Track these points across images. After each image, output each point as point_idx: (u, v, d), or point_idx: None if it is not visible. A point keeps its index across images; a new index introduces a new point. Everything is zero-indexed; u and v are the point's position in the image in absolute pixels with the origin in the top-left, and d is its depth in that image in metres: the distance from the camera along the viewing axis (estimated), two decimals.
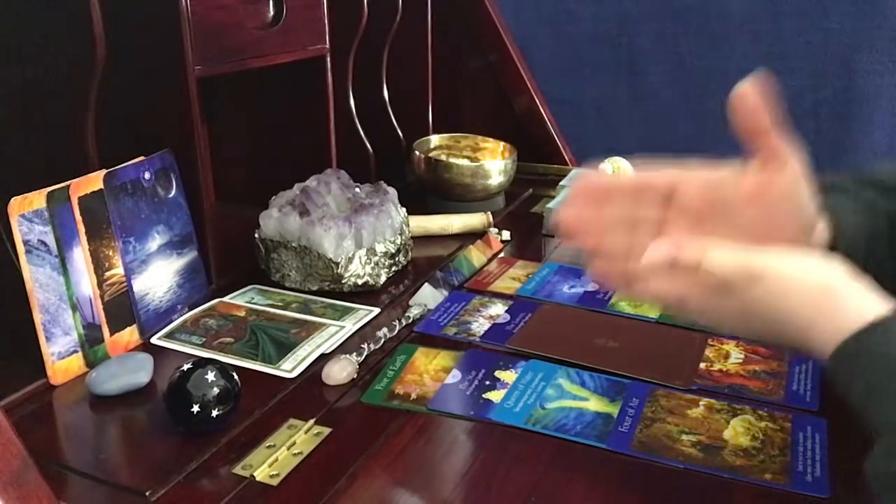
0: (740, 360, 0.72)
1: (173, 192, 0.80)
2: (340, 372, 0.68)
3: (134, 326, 0.75)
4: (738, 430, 0.61)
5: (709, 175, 0.55)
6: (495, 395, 0.66)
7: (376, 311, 0.82)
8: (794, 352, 0.65)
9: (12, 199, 0.65)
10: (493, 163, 1.16)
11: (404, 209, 0.95)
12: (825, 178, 0.65)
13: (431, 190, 1.16)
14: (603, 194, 0.55)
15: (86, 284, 0.70)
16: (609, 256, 0.55)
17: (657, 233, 0.56)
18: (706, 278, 0.50)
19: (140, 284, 0.75)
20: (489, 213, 1.06)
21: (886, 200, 0.62)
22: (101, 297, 0.71)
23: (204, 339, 0.75)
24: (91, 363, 0.70)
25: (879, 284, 0.60)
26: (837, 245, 0.57)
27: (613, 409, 0.64)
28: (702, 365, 0.71)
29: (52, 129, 0.75)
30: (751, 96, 0.49)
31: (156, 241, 0.78)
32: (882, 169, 0.66)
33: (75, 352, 0.69)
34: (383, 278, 0.88)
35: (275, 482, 0.55)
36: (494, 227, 1.05)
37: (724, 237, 0.54)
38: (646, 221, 0.55)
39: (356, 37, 1.09)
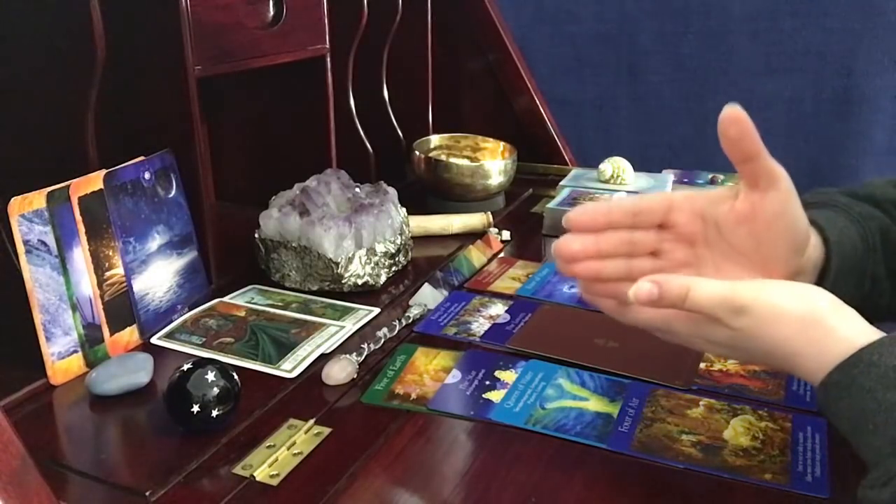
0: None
1: (173, 192, 0.80)
2: (340, 372, 0.68)
3: (134, 326, 0.75)
4: (738, 430, 0.61)
5: (700, 198, 0.56)
6: (495, 395, 0.66)
7: (376, 311, 0.82)
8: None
9: (12, 199, 0.65)
10: (493, 163, 1.16)
11: (404, 209, 0.95)
12: (818, 195, 0.65)
13: (431, 190, 1.16)
14: (599, 222, 0.56)
15: (86, 284, 0.70)
16: (605, 280, 0.56)
17: (653, 256, 0.56)
18: (692, 311, 0.51)
19: (140, 284, 0.75)
20: (489, 213, 1.06)
21: (879, 215, 0.63)
22: (101, 297, 0.71)
23: (204, 339, 0.75)
24: (91, 363, 0.70)
25: (876, 300, 0.61)
26: (831, 259, 0.57)
27: (613, 409, 0.64)
28: (702, 365, 0.71)
29: (52, 129, 0.75)
30: (737, 122, 0.49)
31: (156, 241, 0.78)
32: (874, 184, 0.66)
33: (75, 352, 0.69)
34: (383, 278, 0.88)
35: (275, 482, 0.55)
36: (494, 227, 1.05)
37: (719, 258, 0.55)
38: (642, 245, 0.56)
39: (356, 37, 1.09)
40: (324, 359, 0.71)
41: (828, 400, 0.48)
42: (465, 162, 1.17)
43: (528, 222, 1.13)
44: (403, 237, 0.92)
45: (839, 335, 0.48)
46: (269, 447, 0.59)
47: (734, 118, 0.49)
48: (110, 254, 0.73)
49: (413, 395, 0.66)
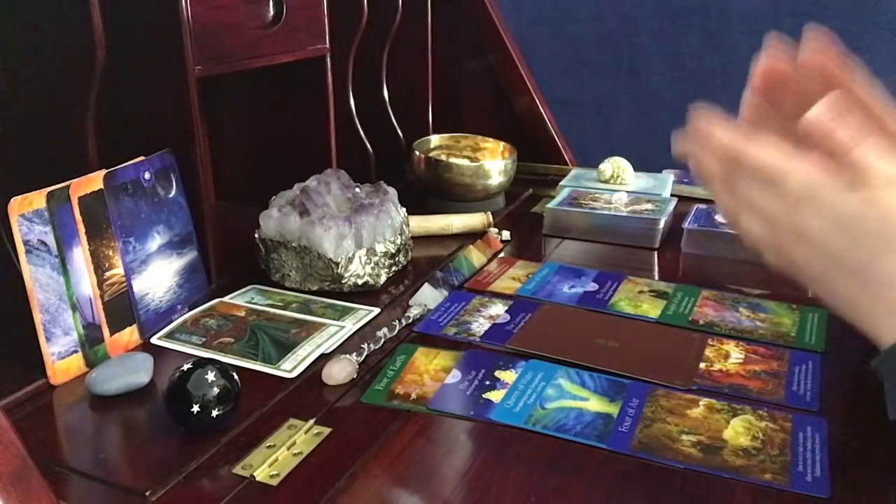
0: (740, 360, 0.72)
1: (173, 192, 0.80)
2: (340, 372, 0.68)
3: (134, 326, 0.75)
4: (738, 430, 0.61)
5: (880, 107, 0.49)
6: (495, 395, 0.66)
7: (376, 311, 0.82)
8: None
9: (12, 199, 0.65)
10: (493, 163, 1.16)
11: (404, 209, 0.95)
12: None
13: (431, 190, 1.16)
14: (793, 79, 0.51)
15: (86, 284, 0.70)
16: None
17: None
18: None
19: (140, 284, 0.75)
20: (489, 213, 1.06)
21: None
22: (101, 297, 0.71)
23: (204, 339, 0.75)
24: (91, 363, 0.70)
25: None
26: None
27: (613, 409, 0.64)
28: (702, 365, 0.71)
29: (52, 129, 0.75)
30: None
31: (156, 241, 0.78)
32: None
33: (75, 352, 0.69)
34: (383, 278, 0.88)
35: (275, 482, 0.55)
36: (494, 227, 1.05)
37: None
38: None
39: (356, 37, 1.09)
40: (324, 359, 0.71)
41: None
42: (465, 162, 1.17)
43: (528, 222, 1.13)
44: (403, 237, 0.92)
45: None
46: (269, 447, 0.59)
47: None
48: (110, 254, 0.73)
49: (413, 395, 0.66)
